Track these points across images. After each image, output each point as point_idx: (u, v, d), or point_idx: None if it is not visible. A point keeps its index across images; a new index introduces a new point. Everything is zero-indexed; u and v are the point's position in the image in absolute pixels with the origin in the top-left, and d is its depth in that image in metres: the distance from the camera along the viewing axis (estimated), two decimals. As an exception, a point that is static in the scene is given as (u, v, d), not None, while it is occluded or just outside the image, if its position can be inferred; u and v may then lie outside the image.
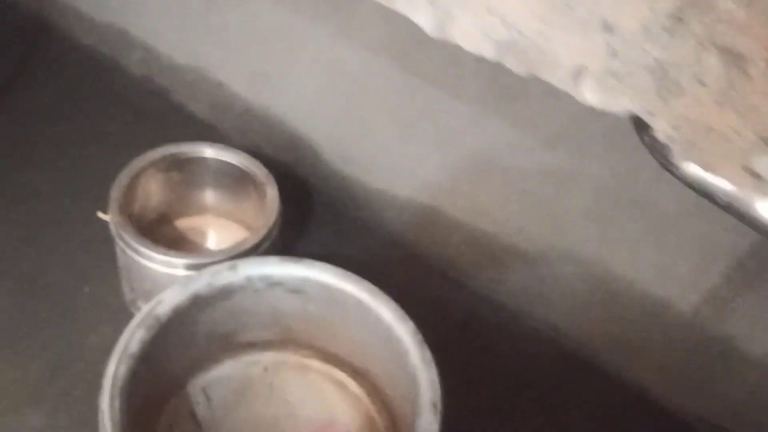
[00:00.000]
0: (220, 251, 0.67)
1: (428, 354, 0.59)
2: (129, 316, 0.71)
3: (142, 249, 0.66)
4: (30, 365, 0.68)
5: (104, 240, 0.71)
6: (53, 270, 0.75)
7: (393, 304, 0.62)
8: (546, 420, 0.72)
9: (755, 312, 0.62)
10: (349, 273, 0.64)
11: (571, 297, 0.74)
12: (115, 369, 0.55)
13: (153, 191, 0.75)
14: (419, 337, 0.60)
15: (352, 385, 0.70)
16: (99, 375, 0.66)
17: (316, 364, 0.71)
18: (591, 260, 0.70)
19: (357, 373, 0.69)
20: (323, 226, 0.84)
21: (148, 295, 0.70)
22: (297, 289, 0.65)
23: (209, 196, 0.80)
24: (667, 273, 0.66)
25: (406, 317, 0.61)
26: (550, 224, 0.71)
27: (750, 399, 0.67)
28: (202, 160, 0.75)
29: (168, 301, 0.60)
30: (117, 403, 0.54)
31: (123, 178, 0.70)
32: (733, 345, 0.65)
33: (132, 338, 0.57)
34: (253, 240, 0.67)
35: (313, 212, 0.85)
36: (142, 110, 0.90)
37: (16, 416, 0.65)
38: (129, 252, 0.67)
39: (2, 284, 0.74)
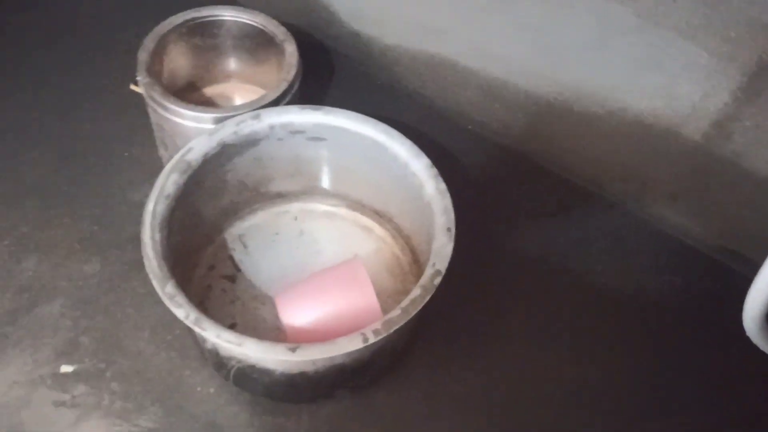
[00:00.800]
0: (244, 104, 0.70)
1: (442, 185, 0.63)
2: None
3: (172, 107, 0.70)
4: (80, 220, 0.74)
5: (138, 106, 0.75)
6: (93, 137, 0.80)
7: (408, 142, 0.66)
8: (551, 248, 0.75)
9: (761, 130, 0.64)
10: (365, 117, 0.67)
11: (586, 129, 0.76)
12: (153, 207, 0.60)
13: (179, 59, 0.79)
14: (434, 170, 0.64)
15: (377, 228, 0.74)
16: (139, 228, 0.72)
17: (342, 211, 0.76)
18: (594, 92, 0.72)
19: (380, 217, 0.74)
20: (341, 85, 0.87)
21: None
22: (317, 136, 0.69)
23: (232, 63, 0.83)
24: (674, 98, 0.67)
25: (421, 153, 0.65)
26: (556, 60, 0.72)
27: (759, 217, 0.69)
28: (222, 23, 0.78)
29: (197, 148, 0.65)
30: (157, 236, 0.59)
31: (148, 42, 0.73)
32: (740, 164, 0.67)
33: (167, 181, 0.62)
34: (274, 94, 0.71)
35: (331, 72, 0.88)
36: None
37: (72, 264, 0.71)
38: (160, 111, 0.71)
39: (48, 151, 0.79)
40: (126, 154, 0.80)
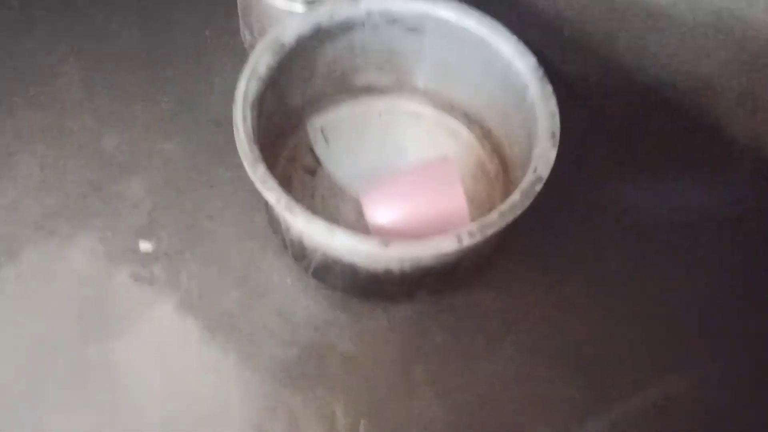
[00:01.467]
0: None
1: (549, 87, 0.59)
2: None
3: (263, -15, 0.67)
4: (161, 99, 0.72)
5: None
6: (175, 12, 0.77)
7: (513, 39, 0.61)
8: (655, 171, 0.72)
9: None
10: (470, 9, 0.63)
11: (696, 50, 0.71)
12: (245, 86, 0.58)
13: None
14: (540, 72, 0.60)
15: (465, 132, 0.71)
16: (223, 111, 0.70)
17: (429, 111, 0.72)
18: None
19: (471, 121, 0.70)
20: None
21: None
22: (416, 26, 0.65)
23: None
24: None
25: (527, 52, 0.61)
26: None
27: None
28: None
29: (291, 29, 0.61)
30: (249, 117, 0.57)
31: None
32: None
33: (259, 61, 0.59)
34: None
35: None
36: None
37: (151, 143, 0.70)
38: (249, -11, 0.68)
39: (130, 21, 0.76)
40: (208, 33, 0.77)
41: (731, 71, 0.70)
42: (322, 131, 0.71)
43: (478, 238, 0.52)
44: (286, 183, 0.67)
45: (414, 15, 0.64)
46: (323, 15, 0.63)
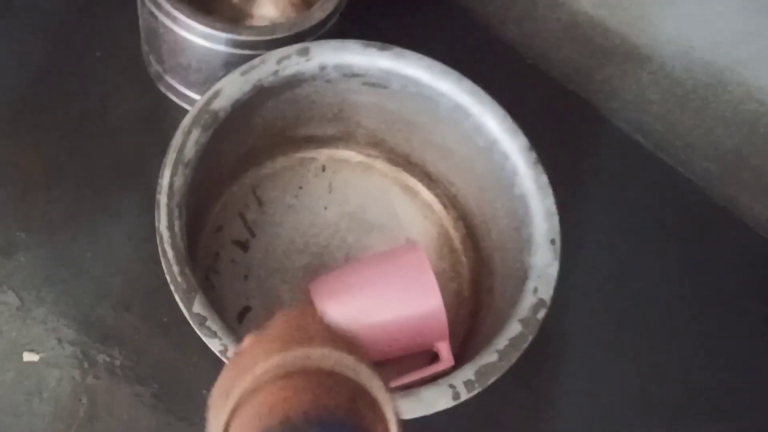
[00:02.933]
0: (278, 26, 0.52)
1: (544, 178, 0.49)
2: (153, 89, 0.59)
3: (179, 16, 0.51)
4: (48, 144, 0.56)
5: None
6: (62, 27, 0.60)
7: (501, 112, 0.51)
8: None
9: None
10: (446, 68, 0.51)
11: (679, 101, 0.63)
12: (169, 181, 0.44)
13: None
14: (533, 156, 0.50)
15: (424, 191, 0.60)
16: (125, 149, 0.56)
17: (381, 165, 0.61)
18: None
19: (432, 180, 0.60)
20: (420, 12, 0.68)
21: (181, 71, 0.57)
22: (379, 82, 0.52)
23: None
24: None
25: (518, 130, 0.50)
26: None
27: None
28: None
29: (226, 93, 0.48)
30: (177, 225, 0.43)
31: None
32: None
33: (187, 141, 0.45)
34: (321, 14, 0.53)
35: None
36: None
37: (38, 194, 0.55)
38: (161, 17, 0.52)
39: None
40: (99, 54, 0.61)
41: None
42: (254, 192, 0.58)
43: (477, 389, 0.43)
44: (212, 263, 0.55)
45: (378, 70, 0.51)
46: (266, 72, 0.49)
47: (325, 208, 0.59)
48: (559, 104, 0.68)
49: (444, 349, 0.51)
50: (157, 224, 0.43)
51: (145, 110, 0.60)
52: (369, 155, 0.61)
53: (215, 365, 0.52)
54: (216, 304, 0.43)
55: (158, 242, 0.43)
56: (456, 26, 0.70)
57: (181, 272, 0.42)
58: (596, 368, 0.58)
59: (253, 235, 0.57)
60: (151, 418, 0.50)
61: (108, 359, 0.51)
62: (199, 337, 0.41)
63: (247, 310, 0.54)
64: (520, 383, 0.50)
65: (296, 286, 0.55)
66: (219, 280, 0.55)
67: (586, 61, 0.67)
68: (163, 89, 0.60)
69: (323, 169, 0.60)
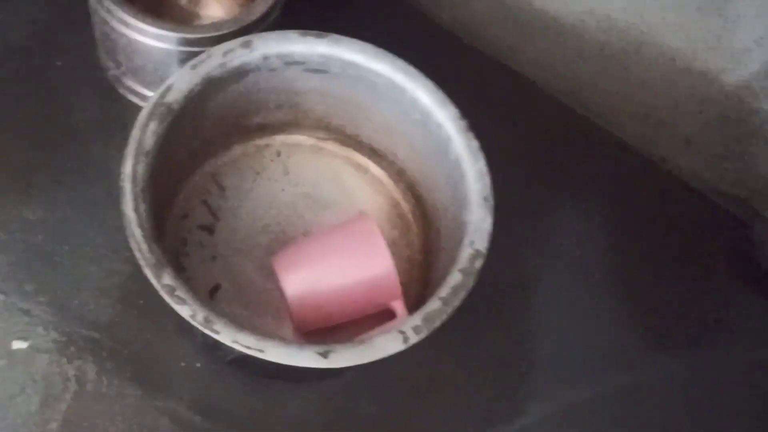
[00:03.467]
0: (223, 23, 0.57)
1: (475, 143, 0.54)
2: (114, 93, 0.64)
3: (131, 20, 0.56)
4: (14, 148, 0.60)
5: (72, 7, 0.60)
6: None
7: (431, 85, 0.56)
8: (566, 189, 0.70)
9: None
10: (380, 50, 0.56)
11: (601, 66, 0.69)
12: (132, 169, 0.49)
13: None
14: (464, 123, 0.55)
15: (373, 167, 0.65)
16: (90, 150, 0.60)
17: (332, 146, 0.65)
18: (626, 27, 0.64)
19: (379, 156, 0.65)
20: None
21: (137, 72, 0.61)
22: (319, 68, 0.57)
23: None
24: (720, 45, 0.61)
25: (448, 101, 0.55)
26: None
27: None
28: None
29: (178, 87, 0.52)
30: (142, 208, 0.48)
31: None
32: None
33: (145, 132, 0.50)
34: (263, 7, 0.57)
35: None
36: None
37: (10, 196, 0.59)
38: (113, 23, 0.57)
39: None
40: (60, 63, 0.65)
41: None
42: (215, 179, 0.63)
43: (425, 332, 0.48)
44: (180, 248, 0.59)
45: (317, 56, 0.56)
46: (213, 65, 0.53)
47: (283, 190, 0.63)
48: (495, 79, 0.73)
49: (399, 307, 0.56)
50: (122, 208, 0.47)
51: (107, 112, 0.64)
52: (320, 138, 0.65)
53: (190, 338, 0.57)
54: (188, 283, 0.48)
55: (125, 225, 0.47)
56: (394, 14, 0.75)
57: (150, 249, 0.46)
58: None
59: (217, 219, 0.61)
60: (136, 389, 0.54)
61: (92, 342, 0.55)
62: (173, 315, 0.46)
63: (217, 287, 0.59)
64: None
65: (261, 262, 0.60)
66: (189, 262, 0.59)
67: (518, 37, 0.72)
68: (122, 91, 0.64)
69: (278, 154, 0.65)
